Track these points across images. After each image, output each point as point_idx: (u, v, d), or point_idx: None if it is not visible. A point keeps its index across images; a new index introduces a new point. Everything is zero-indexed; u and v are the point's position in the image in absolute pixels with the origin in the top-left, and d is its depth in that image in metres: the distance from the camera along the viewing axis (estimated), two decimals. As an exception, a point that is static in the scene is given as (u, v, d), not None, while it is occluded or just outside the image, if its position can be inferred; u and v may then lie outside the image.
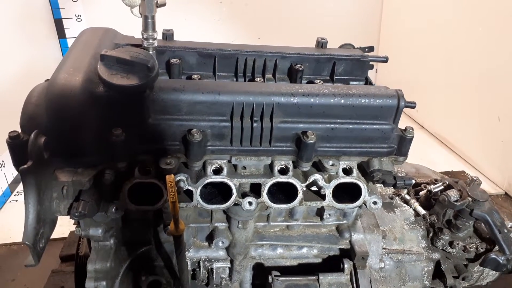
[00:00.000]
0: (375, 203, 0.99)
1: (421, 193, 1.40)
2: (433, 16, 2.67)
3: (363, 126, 0.95)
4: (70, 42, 2.66)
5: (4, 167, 2.15)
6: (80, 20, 2.64)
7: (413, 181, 1.03)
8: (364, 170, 0.99)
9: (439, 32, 2.64)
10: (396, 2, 3.05)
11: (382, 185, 1.01)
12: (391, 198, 1.31)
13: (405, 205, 1.33)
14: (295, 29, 3.03)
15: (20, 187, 2.24)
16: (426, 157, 2.47)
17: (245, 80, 1.10)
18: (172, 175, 0.78)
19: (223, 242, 1.08)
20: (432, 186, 1.34)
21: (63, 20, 2.59)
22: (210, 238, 1.10)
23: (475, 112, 2.46)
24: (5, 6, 2.14)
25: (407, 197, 1.36)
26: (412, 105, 0.97)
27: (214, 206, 0.96)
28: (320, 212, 1.10)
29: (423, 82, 2.83)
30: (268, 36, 3.02)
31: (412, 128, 0.99)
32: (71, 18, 2.61)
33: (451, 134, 2.72)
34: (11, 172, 2.21)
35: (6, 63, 2.16)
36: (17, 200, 2.16)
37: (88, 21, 2.65)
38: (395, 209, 1.30)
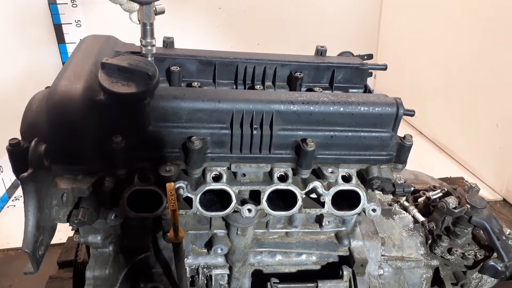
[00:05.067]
0: (374, 210, 1.00)
1: (420, 200, 1.40)
2: (431, 23, 2.70)
3: (362, 133, 0.96)
4: (69, 48, 2.67)
5: (2, 172, 2.14)
6: (79, 25, 2.65)
7: (412, 189, 1.04)
8: (363, 177, 1.00)
9: (437, 39, 2.66)
10: (395, 9, 3.07)
11: (381, 192, 1.01)
12: (390, 205, 1.31)
13: (404, 212, 1.34)
14: (294, 35, 3.05)
15: (18, 192, 2.23)
16: (425, 163, 2.47)
17: (244, 88, 1.10)
18: (172, 183, 0.78)
19: (222, 249, 1.08)
20: (430, 193, 1.35)
21: (62, 25, 2.60)
22: (209, 245, 1.10)
23: (474, 119, 2.48)
24: (5, 11, 2.15)
25: (406, 204, 1.36)
26: (411, 113, 0.98)
27: (213, 213, 0.96)
28: (319, 219, 1.11)
29: (422, 88, 2.85)
30: (267, 42, 3.04)
31: (411, 136, 0.99)
32: (71, 23, 2.62)
33: (450, 140, 2.73)
34: (9, 177, 2.20)
35: (6, 68, 2.17)
36: (15, 206, 2.15)
37: (87, 27, 2.66)
38: (394, 216, 1.30)
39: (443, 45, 2.61)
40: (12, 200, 2.18)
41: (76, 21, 2.63)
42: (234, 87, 1.11)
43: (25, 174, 0.72)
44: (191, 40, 2.87)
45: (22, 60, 2.30)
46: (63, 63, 2.75)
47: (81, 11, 2.62)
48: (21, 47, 2.33)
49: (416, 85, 2.89)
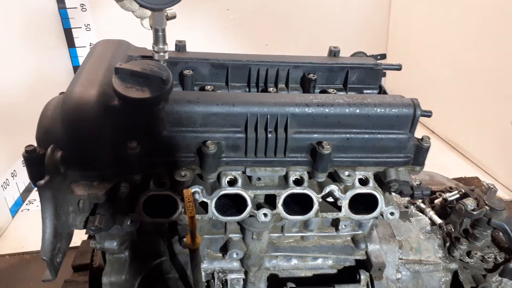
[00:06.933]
0: (392, 213, 0.98)
1: (436, 201, 1.37)
2: (441, 21, 2.66)
3: (379, 135, 0.94)
4: (79, 51, 2.69)
5: (15, 176, 2.17)
6: (89, 29, 2.67)
7: (430, 191, 1.02)
8: (381, 180, 0.98)
9: (449, 35, 2.61)
10: (404, 7, 3.03)
11: (398, 195, 0.99)
12: (406, 207, 1.29)
13: (421, 214, 1.31)
14: (302, 35, 3.04)
15: (32, 196, 2.25)
16: (438, 163, 2.44)
17: (257, 90, 1.09)
18: (190, 189, 0.77)
19: (237, 254, 1.07)
20: (447, 194, 1.32)
21: (72, 29, 2.63)
22: (224, 249, 1.10)
23: (487, 117, 2.43)
24: (16, 17, 2.18)
25: (422, 205, 1.34)
26: (428, 114, 0.96)
27: (229, 218, 0.95)
28: (335, 223, 1.09)
29: (433, 86, 2.80)
30: (275, 42, 3.03)
31: (429, 138, 0.97)
32: (81, 27, 2.65)
33: (463, 139, 2.69)
34: (23, 181, 2.22)
35: (18, 72, 2.19)
36: (29, 209, 2.17)
37: (97, 31, 2.68)
38: (411, 218, 1.28)
39: (454, 42, 2.57)
40: (26, 204, 2.21)
41: (86, 25, 2.65)
42: (247, 89, 1.09)
43: (42, 181, 0.72)
44: (200, 42, 2.87)
45: (33, 64, 2.33)
46: (73, 67, 2.78)
47: (91, 15, 2.64)
48: (32, 51, 2.35)
49: (427, 83, 2.85)
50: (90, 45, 2.70)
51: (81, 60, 2.71)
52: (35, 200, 2.23)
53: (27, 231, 1.98)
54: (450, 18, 2.58)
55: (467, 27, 2.46)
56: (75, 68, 2.72)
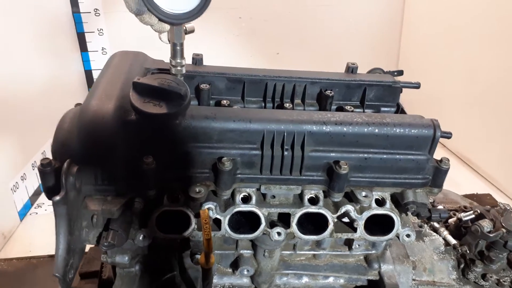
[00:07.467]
0: (408, 235, 0.96)
1: (450, 220, 1.35)
2: (454, 33, 2.63)
3: (397, 156, 0.92)
4: (91, 56, 2.71)
5: (25, 179, 2.17)
6: (102, 34, 2.68)
7: (448, 214, 1.00)
8: (398, 201, 0.96)
9: (460, 48, 2.59)
10: (416, 18, 3.02)
11: (416, 217, 0.97)
12: (420, 227, 1.26)
13: (434, 233, 1.29)
14: (313, 44, 3.03)
15: (40, 200, 2.25)
16: (449, 178, 2.37)
17: (273, 105, 1.08)
18: (206, 210, 0.76)
19: (248, 270, 1.05)
20: (462, 214, 1.30)
21: (85, 34, 2.65)
22: (234, 265, 1.08)
23: (500, 131, 2.39)
24: (30, 20, 2.19)
25: (436, 225, 1.31)
26: (448, 136, 0.94)
27: (242, 236, 0.93)
28: (348, 242, 1.07)
29: (444, 98, 2.77)
30: (286, 51, 3.02)
31: (448, 159, 0.95)
32: (93, 32, 2.66)
33: (475, 154, 2.65)
34: (32, 184, 2.23)
35: (30, 75, 2.20)
36: (37, 213, 2.17)
37: (110, 35, 2.69)
38: (424, 238, 1.26)
39: (466, 54, 2.54)
40: (35, 208, 2.21)
41: (99, 29, 2.67)
42: (263, 104, 1.08)
43: (58, 197, 0.71)
44: (211, 49, 2.85)
45: (45, 67, 2.34)
46: (85, 71, 2.79)
47: (104, 20, 2.65)
48: (45, 54, 2.36)
49: (437, 94, 2.81)
50: (103, 49, 2.72)
51: (93, 64, 2.74)
52: (43, 203, 2.23)
53: (35, 235, 1.97)
54: (463, 31, 2.56)
55: (480, 40, 2.43)
56: (87, 72, 2.74)
